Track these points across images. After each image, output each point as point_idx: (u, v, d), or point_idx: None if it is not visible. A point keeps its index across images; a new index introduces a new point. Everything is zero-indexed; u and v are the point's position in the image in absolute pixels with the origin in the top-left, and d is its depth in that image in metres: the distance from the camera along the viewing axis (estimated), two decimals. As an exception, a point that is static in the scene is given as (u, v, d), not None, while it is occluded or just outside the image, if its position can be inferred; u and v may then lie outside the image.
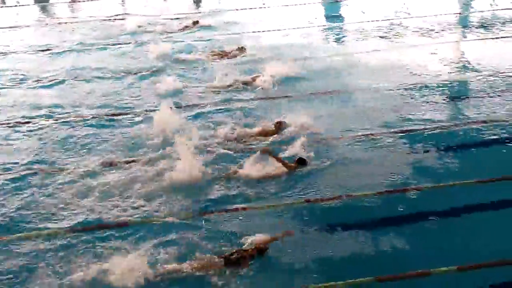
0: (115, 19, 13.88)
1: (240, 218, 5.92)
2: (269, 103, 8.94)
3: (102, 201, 6.16)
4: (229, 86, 9.52)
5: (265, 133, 7.84)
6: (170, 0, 16.38)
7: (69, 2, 16.09)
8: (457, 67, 10.41)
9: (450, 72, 10.09)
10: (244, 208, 6.07)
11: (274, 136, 7.67)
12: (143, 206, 6.10)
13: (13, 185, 6.60)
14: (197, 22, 13.30)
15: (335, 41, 12.52)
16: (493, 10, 14.22)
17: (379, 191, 6.21)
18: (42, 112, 8.70)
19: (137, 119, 8.37)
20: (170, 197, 6.29)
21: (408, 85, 9.36)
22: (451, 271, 4.91)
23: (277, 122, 7.92)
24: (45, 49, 11.77)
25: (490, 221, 5.68)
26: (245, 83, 9.60)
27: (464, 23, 13.62)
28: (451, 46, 11.86)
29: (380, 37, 12.34)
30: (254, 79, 9.70)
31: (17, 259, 5.26)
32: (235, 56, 11.11)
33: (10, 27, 13.81)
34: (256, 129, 7.95)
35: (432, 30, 12.63)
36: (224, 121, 8.18)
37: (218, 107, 8.73)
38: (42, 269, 5.04)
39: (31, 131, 8.14)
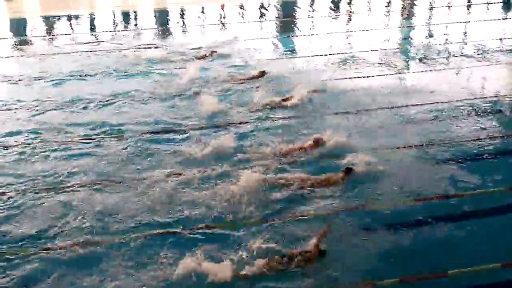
0: (135, 50, 14.49)
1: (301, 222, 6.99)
2: (304, 121, 10.05)
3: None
4: (266, 105, 10.60)
5: (305, 149, 8.85)
6: (179, 33, 17.15)
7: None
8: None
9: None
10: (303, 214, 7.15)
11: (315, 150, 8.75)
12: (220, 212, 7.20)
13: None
14: (215, 52, 14.00)
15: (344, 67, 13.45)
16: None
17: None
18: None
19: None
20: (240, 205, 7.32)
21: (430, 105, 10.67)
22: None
23: (316, 139, 8.97)
24: (84, 74, 12.65)
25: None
26: (279, 104, 10.69)
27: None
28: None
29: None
30: (285, 100, 10.78)
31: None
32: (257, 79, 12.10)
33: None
34: (296, 145, 8.96)
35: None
36: (269, 138, 9.24)
37: (262, 125, 9.85)
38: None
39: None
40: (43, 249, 6.52)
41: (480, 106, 10.62)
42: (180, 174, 8.12)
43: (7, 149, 9.03)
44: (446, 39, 15.46)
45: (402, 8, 19.10)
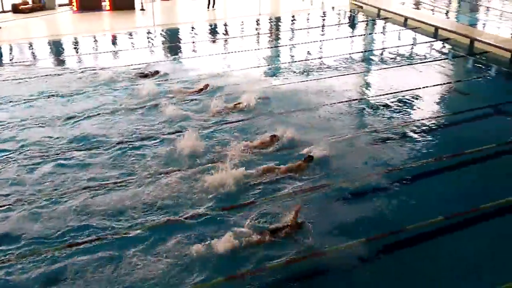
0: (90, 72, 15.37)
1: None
2: (255, 121, 11.75)
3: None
4: (221, 111, 12.19)
5: (263, 145, 10.40)
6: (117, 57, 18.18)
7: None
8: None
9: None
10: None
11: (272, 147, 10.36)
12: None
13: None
14: (157, 71, 15.22)
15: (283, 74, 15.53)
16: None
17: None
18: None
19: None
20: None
21: (346, 102, 12.88)
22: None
23: (272, 136, 10.62)
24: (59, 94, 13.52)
25: None
26: (232, 108, 12.30)
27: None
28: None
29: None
30: (236, 105, 12.41)
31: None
32: (204, 91, 13.57)
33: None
34: (256, 142, 10.47)
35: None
36: (228, 137, 10.78)
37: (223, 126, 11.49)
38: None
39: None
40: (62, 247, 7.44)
41: (379, 101, 12.98)
42: (167, 173, 9.39)
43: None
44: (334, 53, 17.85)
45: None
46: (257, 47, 18.79)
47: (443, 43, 18.83)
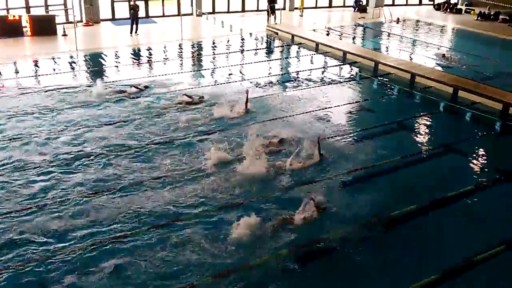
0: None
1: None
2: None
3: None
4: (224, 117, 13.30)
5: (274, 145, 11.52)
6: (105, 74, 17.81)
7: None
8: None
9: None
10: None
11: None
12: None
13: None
14: (147, 86, 15.97)
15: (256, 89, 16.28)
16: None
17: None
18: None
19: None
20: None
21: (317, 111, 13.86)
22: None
23: (281, 139, 11.72)
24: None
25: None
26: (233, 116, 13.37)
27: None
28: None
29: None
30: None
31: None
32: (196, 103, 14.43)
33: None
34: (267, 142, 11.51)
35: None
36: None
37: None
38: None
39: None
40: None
41: (295, 119, 13.65)
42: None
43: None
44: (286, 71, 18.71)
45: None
46: (179, 70, 18.96)
47: (351, 66, 19.98)
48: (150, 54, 21.86)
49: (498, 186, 10.49)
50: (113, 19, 27.91)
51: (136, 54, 21.59)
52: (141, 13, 26.24)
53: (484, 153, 12.16)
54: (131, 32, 24.37)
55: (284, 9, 30.65)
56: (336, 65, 20.28)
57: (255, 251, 7.84)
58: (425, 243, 8.49)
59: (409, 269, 7.80)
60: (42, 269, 7.33)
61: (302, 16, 31.15)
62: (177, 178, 10.01)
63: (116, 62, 20.51)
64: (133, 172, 10.26)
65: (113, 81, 16.91)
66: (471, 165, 11.42)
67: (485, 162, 11.71)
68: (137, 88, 15.65)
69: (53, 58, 20.06)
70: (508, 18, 29.54)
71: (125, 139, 11.89)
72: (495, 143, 12.97)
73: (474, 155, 11.95)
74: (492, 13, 30.99)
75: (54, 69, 18.78)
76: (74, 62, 19.90)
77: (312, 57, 21.53)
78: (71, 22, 24.50)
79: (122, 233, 8.20)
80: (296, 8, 32.25)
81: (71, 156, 10.97)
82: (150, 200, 9.17)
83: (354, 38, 25.99)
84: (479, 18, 30.82)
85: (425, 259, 8.02)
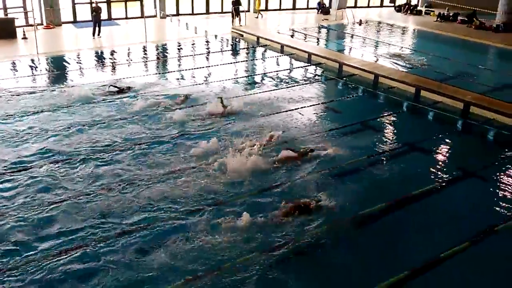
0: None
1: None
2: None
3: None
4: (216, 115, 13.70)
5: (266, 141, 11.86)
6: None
7: None
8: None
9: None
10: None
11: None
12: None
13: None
14: (130, 87, 15.98)
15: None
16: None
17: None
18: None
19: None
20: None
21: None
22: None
23: (271, 135, 12.09)
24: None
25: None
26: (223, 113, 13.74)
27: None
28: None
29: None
30: (223, 112, 13.76)
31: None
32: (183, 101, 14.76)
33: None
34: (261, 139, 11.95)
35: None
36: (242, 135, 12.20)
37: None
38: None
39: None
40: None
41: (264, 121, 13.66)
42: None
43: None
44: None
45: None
46: (145, 73, 18.69)
47: (315, 68, 20.13)
48: (114, 56, 21.46)
49: (460, 183, 10.73)
50: (74, 21, 27.36)
51: (99, 57, 21.20)
52: (104, 15, 25.81)
53: (446, 151, 12.44)
54: (93, 35, 23.93)
55: (248, 11, 30.64)
56: (301, 67, 20.40)
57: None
58: (391, 242, 8.59)
59: (375, 268, 7.88)
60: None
61: (257, 18, 30.80)
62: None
63: (79, 64, 20.05)
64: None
65: (75, 84, 16.54)
66: (434, 163, 11.64)
67: (448, 160, 11.97)
68: (116, 87, 15.72)
69: (13, 62, 19.47)
70: (466, 19, 30.30)
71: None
72: (456, 141, 13.26)
73: (437, 154, 12.21)
74: (451, 14, 31.76)
75: (14, 73, 18.24)
76: (35, 66, 19.37)
77: (277, 58, 21.62)
78: (31, 25, 23.89)
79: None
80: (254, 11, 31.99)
81: (28, 161, 10.68)
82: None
83: (318, 39, 26.22)
84: (438, 19, 31.55)
85: (392, 258, 8.13)
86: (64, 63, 19.93)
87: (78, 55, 21.17)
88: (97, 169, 10.41)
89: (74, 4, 27.23)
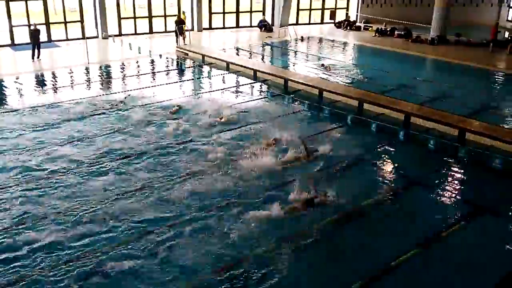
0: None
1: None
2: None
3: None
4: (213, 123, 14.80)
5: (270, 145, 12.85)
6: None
7: None
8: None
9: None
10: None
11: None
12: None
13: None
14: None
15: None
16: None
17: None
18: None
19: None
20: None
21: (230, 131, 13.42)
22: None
23: (274, 139, 13.11)
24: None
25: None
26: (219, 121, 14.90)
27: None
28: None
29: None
30: (221, 118, 14.97)
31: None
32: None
33: None
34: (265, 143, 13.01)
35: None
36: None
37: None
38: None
39: None
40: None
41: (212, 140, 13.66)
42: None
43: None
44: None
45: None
46: (87, 95, 18.23)
47: (261, 84, 20.31)
48: (55, 79, 20.85)
49: (407, 191, 11.06)
50: (12, 44, 26.45)
51: (40, 80, 20.52)
52: (43, 37, 25.07)
53: (390, 161, 12.78)
54: (32, 58, 23.18)
55: (192, 30, 30.63)
56: (247, 84, 20.52)
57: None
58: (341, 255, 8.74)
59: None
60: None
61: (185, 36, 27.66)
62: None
63: (18, 88, 19.33)
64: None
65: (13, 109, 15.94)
66: (379, 174, 11.94)
67: (392, 169, 12.30)
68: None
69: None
70: (403, 33, 31.55)
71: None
72: (400, 151, 13.65)
73: (381, 164, 12.53)
74: (388, 29, 32.97)
75: None
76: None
77: (223, 76, 21.65)
78: (-35, 49, 22.88)
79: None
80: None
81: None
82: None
83: (263, 56, 26.51)
84: (376, 34, 32.66)
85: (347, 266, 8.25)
86: (2, 87, 19.15)
87: (17, 78, 20.40)
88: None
89: (11, 26, 26.37)
